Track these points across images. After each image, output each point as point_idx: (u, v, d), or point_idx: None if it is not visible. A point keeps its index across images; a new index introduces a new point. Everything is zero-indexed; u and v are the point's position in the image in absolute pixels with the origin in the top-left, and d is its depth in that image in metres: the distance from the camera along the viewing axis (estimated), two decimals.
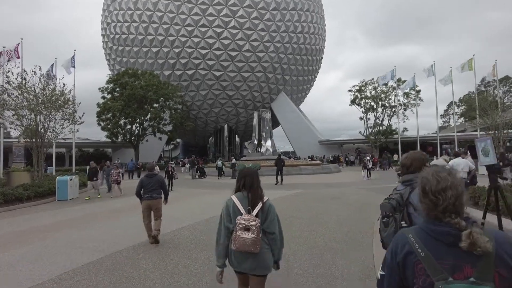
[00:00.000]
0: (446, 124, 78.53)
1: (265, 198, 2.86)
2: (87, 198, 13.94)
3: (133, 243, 6.57)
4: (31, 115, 16.78)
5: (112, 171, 15.35)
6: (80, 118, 19.19)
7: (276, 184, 18.46)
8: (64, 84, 18.28)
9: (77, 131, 19.38)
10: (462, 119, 73.48)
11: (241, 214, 2.70)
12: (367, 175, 19.48)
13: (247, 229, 2.59)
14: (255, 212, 2.72)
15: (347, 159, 38.53)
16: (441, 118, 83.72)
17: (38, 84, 16.96)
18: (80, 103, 18.42)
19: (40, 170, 17.09)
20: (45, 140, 17.44)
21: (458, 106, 75.78)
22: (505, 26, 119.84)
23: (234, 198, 2.84)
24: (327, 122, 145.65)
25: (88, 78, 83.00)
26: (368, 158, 20.06)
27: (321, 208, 10.11)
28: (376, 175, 22.72)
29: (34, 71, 17.04)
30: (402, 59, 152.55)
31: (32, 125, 17.03)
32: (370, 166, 19.77)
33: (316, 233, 7.16)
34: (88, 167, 15.81)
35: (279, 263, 2.92)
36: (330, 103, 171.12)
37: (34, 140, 17.22)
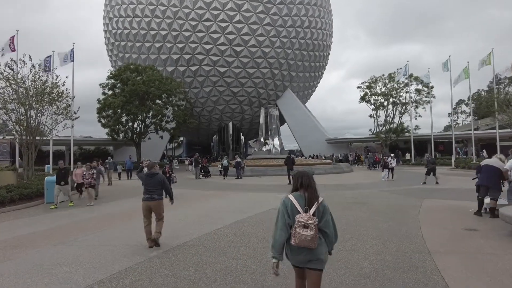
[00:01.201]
0: (454, 123, 76.39)
1: (320, 199, 2.98)
2: (52, 207, 11.02)
3: (120, 267, 4.94)
4: (20, 109, 15.26)
5: (84, 173, 12.15)
6: (75, 113, 17.65)
7: (288, 184, 17.08)
8: (57, 76, 16.77)
9: (72, 126, 17.76)
10: (471, 117, 71.49)
11: (299, 212, 2.86)
12: (388, 176, 17.68)
13: (306, 226, 2.76)
14: (311, 211, 2.86)
15: (357, 157, 36.76)
16: (448, 116, 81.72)
17: (29, 75, 15.43)
18: (74, 96, 16.83)
19: (30, 169, 15.57)
20: (37, 137, 15.91)
21: (467, 105, 73.88)
22: (508, 25, 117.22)
23: (291, 197, 2.98)
24: (330, 121, 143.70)
25: (94, 78, 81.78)
26: (392, 155, 18.20)
27: (350, 217, 8.44)
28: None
29: (24, 61, 15.50)
30: (405, 57, 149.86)
31: (22, 120, 15.52)
32: (394, 165, 17.91)
33: (357, 253, 5.50)
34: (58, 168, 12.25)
35: (331, 251, 3.06)
36: (332, 102, 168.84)
37: (24, 137, 15.72)
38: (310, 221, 2.77)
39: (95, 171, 12.44)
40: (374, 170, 30.14)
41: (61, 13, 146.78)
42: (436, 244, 5.97)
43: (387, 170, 17.67)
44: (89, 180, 12.05)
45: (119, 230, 7.52)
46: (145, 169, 6.72)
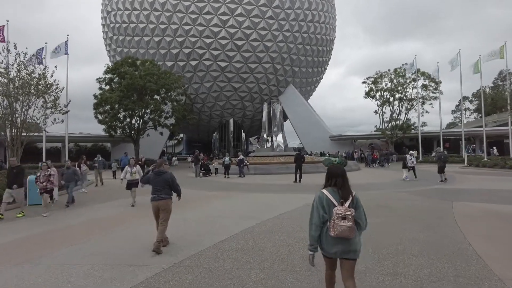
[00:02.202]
0: (457, 120, 74.90)
1: (354, 192, 3.07)
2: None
3: None
4: (3, 102, 13.92)
5: (38, 174, 9.60)
6: (65, 106, 16.29)
7: (294, 182, 16.07)
8: (45, 67, 15.40)
9: (62, 121, 16.41)
10: (475, 115, 70.09)
11: (335, 206, 2.95)
12: (406, 176, 16.20)
13: (344, 218, 2.87)
14: (347, 204, 2.97)
15: (362, 155, 35.43)
16: (452, 113, 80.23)
17: (13, 65, 14.07)
18: (63, 88, 15.45)
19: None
20: (23, 133, 14.57)
21: (471, 102, 72.47)
22: (507, 23, 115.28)
23: (326, 192, 3.05)
24: (330, 118, 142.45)
25: (94, 76, 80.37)
26: (411, 152, 16.69)
27: (376, 224, 7.10)
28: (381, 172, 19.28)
29: (8, 49, 14.13)
30: (405, 55, 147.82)
31: (6, 114, 14.18)
32: (414, 164, 16.35)
33: (404, 278, 4.18)
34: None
35: None
36: (332, 100, 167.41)
37: (11, 133, 14.40)
38: (348, 213, 2.89)
39: (52, 172, 9.77)
40: (372, 167, 29.30)
41: (60, 12, 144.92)
42: (502, 266, 4.64)
43: (407, 169, 16.13)
44: (44, 183, 9.45)
45: (100, 242, 6.19)
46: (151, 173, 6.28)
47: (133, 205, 10.06)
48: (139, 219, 8.12)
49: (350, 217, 2.87)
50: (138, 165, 10.89)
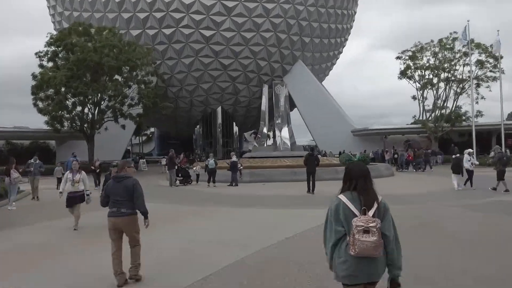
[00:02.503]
0: None
1: (380, 197, 3.09)
2: None
3: None
4: None
5: None
6: None
7: (308, 192, 16.29)
8: None
9: None
10: None
11: (355, 215, 2.96)
12: (460, 184, 15.89)
13: (366, 231, 2.83)
14: (371, 212, 2.96)
15: (396, 156, 35.33)
16: None
17: None
18: None
19: None
20: None
21: None
22: None
23: (343, 198, 3.09)
24: (350, 107, 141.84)
25: (35, 50, 79.80)
26: (470, 151, 16.17)
27: (418, 254, 6.78)
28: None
29: None
30: (451, 22, 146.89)
31: None
32: (473, 167, 15.84)
33: None
34: None
35: (398, 279, 3.04)
36: (350, 82, 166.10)
37: None
38: (371, 224, 2.86)
39: None
40: (405, 171, 29.84)
41: None
42: None
43: (460, 174, 15.79)
44: None
45: (30, 280, 5.84)
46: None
47: (75, 229, 9.65)
48: (88, 246, 7.86)
49: (375, 229, 2.84)
50: (83, 171, 10.51)
